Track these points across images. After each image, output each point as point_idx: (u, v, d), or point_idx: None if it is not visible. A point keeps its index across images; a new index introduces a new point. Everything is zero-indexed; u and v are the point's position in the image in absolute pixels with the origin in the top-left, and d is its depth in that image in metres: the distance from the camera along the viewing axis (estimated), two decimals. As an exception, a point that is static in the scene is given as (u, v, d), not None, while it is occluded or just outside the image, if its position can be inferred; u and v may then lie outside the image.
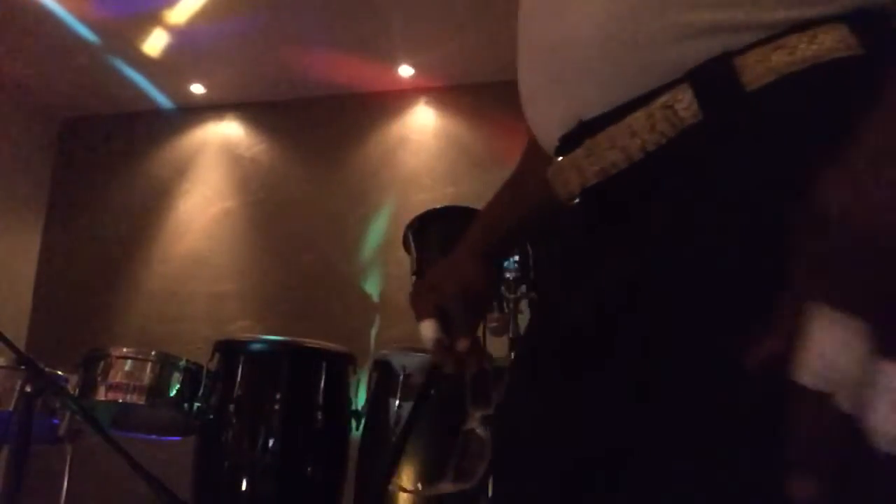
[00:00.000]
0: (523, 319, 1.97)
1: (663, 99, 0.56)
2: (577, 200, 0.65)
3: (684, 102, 0.55)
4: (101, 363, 2.23)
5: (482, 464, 0.88)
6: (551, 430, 0.62)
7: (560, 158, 0.66)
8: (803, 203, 0.44)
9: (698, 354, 0.51)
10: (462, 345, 0.83)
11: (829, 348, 0.38)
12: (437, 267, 0.91)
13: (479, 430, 0.86)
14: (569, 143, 0.64)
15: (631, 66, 0.57)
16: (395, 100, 4.03)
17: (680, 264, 0.54)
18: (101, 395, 2.20)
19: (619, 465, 0.54)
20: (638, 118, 0.57)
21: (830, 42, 0.52)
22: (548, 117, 0.68)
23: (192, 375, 2.29)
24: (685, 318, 0.53)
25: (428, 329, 0.85)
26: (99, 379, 2.21)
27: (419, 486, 1.89)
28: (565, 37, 0.62)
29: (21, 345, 2.49)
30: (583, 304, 0.62)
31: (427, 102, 4.02)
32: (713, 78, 0.54)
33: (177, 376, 2.26)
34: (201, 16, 3.56)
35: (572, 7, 0.62)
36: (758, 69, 0.53)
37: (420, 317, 0.85)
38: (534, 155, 0.86)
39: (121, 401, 2.22)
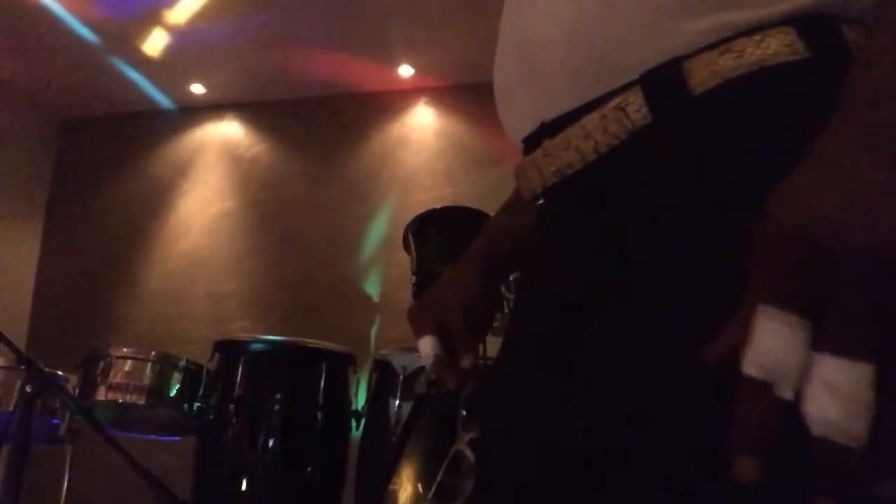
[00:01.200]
0: (523, 319, 1.97)
1: (616, 101, 0.57)
2: (540, 201, 0.66)
3: (635, 105, 0.56)
4: (101, 363, 2.24)
5: (469, 484, 0.87)
6: (525, 436, 0.64)
7: (524, 158, 0.67)
8: (743, 205, 0.46)
9: (646, 354, 0.53)
10: (466, 361, 0.82)
11: (769, 342, 0.41)
12: (437, 284, 0.90)
13: (468, 452, 0.86)
14: (531, 143, 0.65)
15: (589, 69, 0.58)
16: (395, 100, 4.03)
17: (624, 265, 0.56)
18: (101, 395, 2.20)
19: (593, 463, 0.56)
20: (592, 119, 0.58)
21: (777, 46, 0.53)
22: (516, 118, 0.69)
23: (192, 375, 2.29)
24: (635, 316, 0.54)
25: (427, 345, 0.83)
26: (99, 379, 2.21)
27: None
28: (532, 37, 0.63)
29: (21, 345, 2.49)
30: (541, 307, 0.64)
31: (427, 102, 4.02)
32: (662, 81, 0.55)
33: (177, 376, 2.27)
34: (201, 16, 3.56)
35: (538, 6, 0.63)
36: (704, 73, 0.54)
37: (419, 333, 0.85)
38: None
39: (121, 401, 2.22)
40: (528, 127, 0.66)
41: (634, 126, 0.56)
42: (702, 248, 0.51)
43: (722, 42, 0.54)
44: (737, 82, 0.53)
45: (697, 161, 0.53)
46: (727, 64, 0.53)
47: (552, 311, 0.63)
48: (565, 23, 0.60)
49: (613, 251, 0.57)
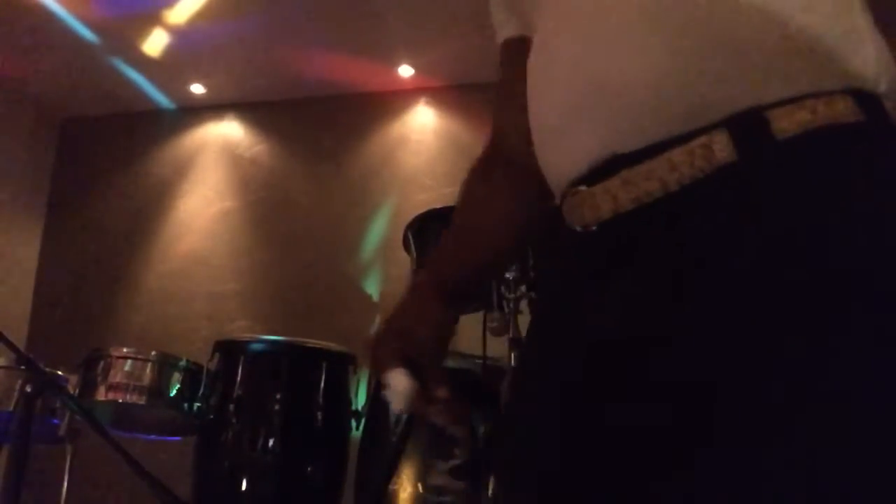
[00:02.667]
0: (523, 319, 1.97)
1: (702, 139, 0.64)
2: (594, 228, 0.71)
3: (721, 144, 0.63)
4: (101, 363, 2.23)
5: None
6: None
7: (583, 187, 0.72)
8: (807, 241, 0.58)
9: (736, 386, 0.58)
10: (442, 393, 0.82)
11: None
12: (394, 316, 0.90)
13: (449, 483, 0.86)
14: (599, 173, 0.70)
15: (678, 108, 0.66)
16: (395, 100, 4.03)
17: (704, 291, 0.62)
18: (101, 395, 2.20)
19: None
20: (678, 154, 0.65)
21: (842, 108, 0.63)
22: (574, 148, 0.73)
23: (192, 375, 2.29)
24: (720, 338, 0.60)
25: (400, 379, 0.80)
26: (99, 379, 2.21)
27: None
28: (610, 80, 0.69)
29: (21, 345, 2.49)
30: (606, 325, 0.68)
31: (427, 102, 4.02)
32: (749, 125, 0.63)
33: (177, 376, 2.26)
34: (201, 16, 3.56)
35: (617, 57, 0.70)
36: (785, 122, 0.62)
37: (386, 366, 0.83)
38: (485, 198, 0.95)
39: (121, 401, 2.22)
40: (589, 159, 0.71)
41: (719, 163, 0.63)
42: (783, 271, 0.59)
43: (798, 98, 0.63)
44: (812, 133, 0.62)
45: (778, 199, 0.61)
46: (804, 117, 0.62)
47: (611, 331, 0.67)
48: (658, 66, 0.67)
49: (684, 282, 0.63)
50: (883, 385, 0.54)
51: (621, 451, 0.63)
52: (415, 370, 0.81)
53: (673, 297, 0.63)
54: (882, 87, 0.67)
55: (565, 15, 0.77)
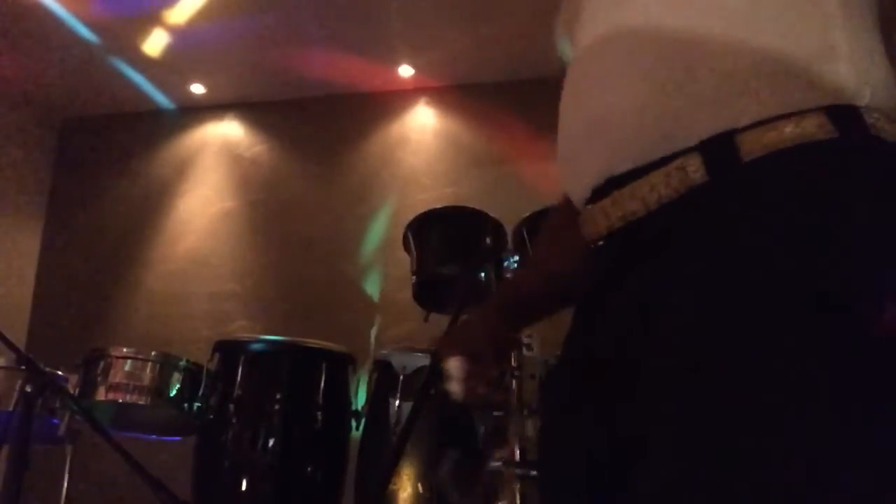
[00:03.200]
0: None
1: (678, 162, 0.71)
2: (601, 243, 0.80)
3: (694, 166, 0.70)
4: (101, 363, 2.23)
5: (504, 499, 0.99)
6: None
7: (589, 206, 0.81)
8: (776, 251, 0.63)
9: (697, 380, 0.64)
10: (492, 373, 0.97)
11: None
12: (465, 323, 1.11)
13: (504, 469, 0.99)
14: (598, 194, 0.79)
15: (656, 135, 0.73)
16: (395, 100, 4.03)
17: (682, 292, 0.68)
18: (101, 395, 2.20)
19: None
20: (657, 176, 0.72)
21: (812, 127, 0.67)
22: (582, 173, 0.83)
23: (192, 375, 2.29)
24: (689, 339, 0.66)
25: (455, 365, 0.97)
26: (99, 379, 2.21)
27: None
28: (602, 109, 0.78)
29: (21, 345, 2.48)
30: (604, 331, 0.77)
31: (427, 102, 4.02)
32: (717, 149, 0.69)
33: (177, 376, 2.26)
34: (201, 16, 3.56)
35: (607, 91, 0.78)
36: (753, 145, 0.68)
37: (448, 355, 0.99)
38: (557, 239, 1.06)
39: (121, 401, 2.22)
40: (592, 182, 0.80)
41: (693, 183, 0.70)
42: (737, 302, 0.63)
43: (769, 120, 0.68)
44: (778, 153, 0.67)
45: (744, 214, 0.66)
46: (771, 139, 0.67)
47: (607, 339, 0.76)
48: (637, 98, 0.74)
49: (660, 291, 0.70)
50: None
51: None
52: (472, 362, 0.98)
53: (644, 324, 0.70)
54: (865, 100, 0.69)
55: (576, 56, 0.88)
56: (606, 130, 0.77)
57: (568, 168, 0.87)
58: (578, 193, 0.85)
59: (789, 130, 0.67)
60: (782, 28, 0.72)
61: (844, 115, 0.68)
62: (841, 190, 0.64)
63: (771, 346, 0.60)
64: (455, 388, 0.98)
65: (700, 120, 0.71)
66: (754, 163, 0.67)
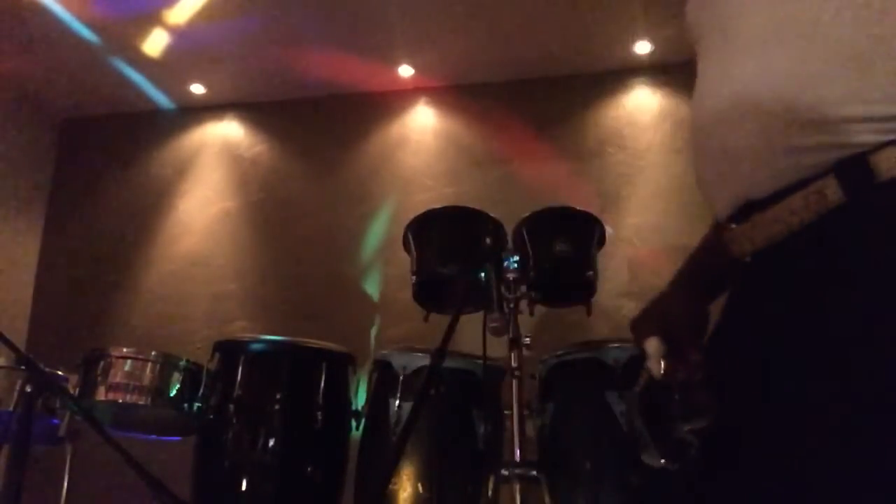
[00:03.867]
0: (523, 319, 1.97)
1: (815, 186, 0.77)
2: (748, 259, 0.88)
3: (831, 189, 0.76)
4: (101, 363, 2.23)
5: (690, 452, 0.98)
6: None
7: (734, 226, 0.90)
8: None
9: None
10: (695, 355, 0.98)
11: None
12: (657, 301, 1.13)
13: (689, 439, 0.99)
14: (740, 215, 0.88)
15: (787, 165, 0.80)
16: (395, 100, 4.03)
17: (823, 309, 0.75)
18: (101, 395, 2.20)
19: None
20: (796, 200, 0.79)
21: None
22: (720, 197, 0.92)
23: (192, 375, 2.28)
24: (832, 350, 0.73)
25: (654, 345, 1.00)
26: (99, 379, 2.21)
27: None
28: (731, 146, 0.86)
29: (21, 345, 2.48)
30: (749, 341, 0.85)
31: (427, 102, 4.02)
32: (853, 171, 0.74)
33: (177, 376, 2.26)
34: (201, 16, 3.56)
35: (732, 124, 0.86)
36: (885, 165, 0.72)
37: (644, 336, 1.03)
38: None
39: (121, 401, 2.22)
40: (732, 203, 0.89)
41: (831, 205, 0.76)
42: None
43: (889, 143, 0.73)
44: None
45: (885, 234, 0.72)
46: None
47: (753, 346, 0.85)
48: (763, 135, 0.82)
49: (808, 313, 0.77)
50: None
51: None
52: (670, 341, 1.00)
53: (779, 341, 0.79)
54: None
55: (702, 92, 0.95)
56: (740, 160, 0.85)
57: (708, 192, 0.96)
58: (721, 214, 0.93)
59: None
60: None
61: None
62: None
63: None
64: (654, 367, 0.99)
65: (828, 149, 0.76)
66: (890, 182, 0.72)
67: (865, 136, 0.74)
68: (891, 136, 0.73)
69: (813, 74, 0.78)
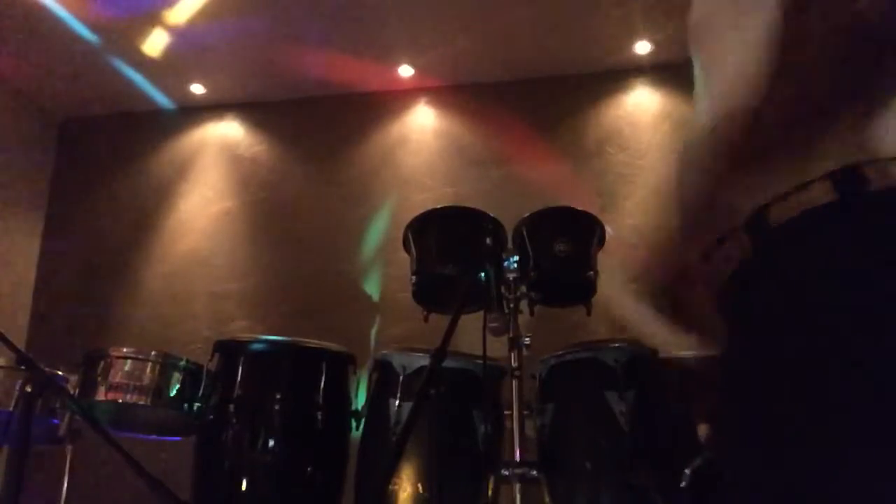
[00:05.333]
0: (523, 319, 1.97)
1: (734, 240, 0.88)
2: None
3: (742, 243, 0.87)
4: (101, 363, 2.23)
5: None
6: None
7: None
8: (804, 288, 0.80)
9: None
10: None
11: None
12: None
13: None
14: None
15: (706, 222, 0.93)
16: (395, 100, 4.04)
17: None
18: (101, 395, 2.20)
19: None
20: (722, 250, 0.90)
21: (818, 193, 0.81)
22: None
23: (192, 375, 2.28)
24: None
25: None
26: (99, 379, 2.21)
27: None
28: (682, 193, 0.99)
29: (21, 345, 2.48)
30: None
31: (427, 102, 4.02)
32: (755, 223, 0.85)
33: (177, 376, 2.26)
34: (201, 16, 3.56)
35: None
36: (775, 214, 0.83)
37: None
38: None
39: (121, 401, 2.22)
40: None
41: (740, 257, 0.87)
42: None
43: (787, 194, 0.83)
44: (791, 221, 0.82)
45: (779, 270, 0.83)
46: (781, 212, 0.83)
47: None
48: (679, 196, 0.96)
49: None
50: None
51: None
52: None
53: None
54: (880, 154, 0.83)
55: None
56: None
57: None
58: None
59: (795, 200, 0.83)
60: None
61: (847, 178, 0.83)
62: (839, 246, 0.80)
63: None
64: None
65: (741, 204, 0.88)
66: (778, 227, 0.84)
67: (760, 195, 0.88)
68: (783, 188, 0.84)
69: None
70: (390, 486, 1.92)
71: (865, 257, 0.78)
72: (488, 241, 2.12)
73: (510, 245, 2.14)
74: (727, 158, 0.92)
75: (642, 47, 3.69)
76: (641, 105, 3.78)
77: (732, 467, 0.81)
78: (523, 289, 1.99)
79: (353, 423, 2.23)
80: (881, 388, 0.70)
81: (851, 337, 0.74)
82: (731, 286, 0.90)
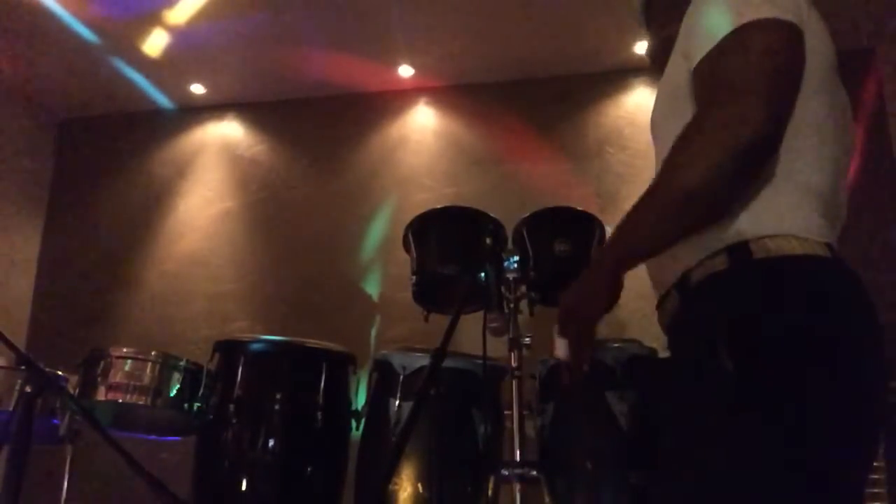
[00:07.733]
0: (523, 319, 1.97)
1: (672, 294, 1.21)
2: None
3: (675, 295, 1.20)
4: (101, 363, 2.23)
5: None
6: None
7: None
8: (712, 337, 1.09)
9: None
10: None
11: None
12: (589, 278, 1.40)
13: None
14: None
15: (658, 281, 1.28)
16: (395, 100, 4.04)
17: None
18: (101, 395, 2.20)
19: None
20: (668, 300, 1.23)
21: (717, 264, 1.12)
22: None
23: (192, 375, 2.28)
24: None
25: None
26: (99, 379, 2.21)
27: None
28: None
29: (21, 345, 2.48)
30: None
31: (427, 102, 4.02)
32: (683, 284, 1.18)
33: (177, 376, 2.26)
34: (201, 16, 3.56)
35: None
36: (694, 277, 1.15)
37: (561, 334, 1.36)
38: None
39: (121, 401, 2.22)
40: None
41: (675, 307, 1.20)
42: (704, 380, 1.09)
43: (702, 261, 1.14)
44: (703, 282, 1.14)
45: (695, 320, 1.14)
46: (700, 274, 1.14)
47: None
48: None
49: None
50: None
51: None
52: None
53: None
54: (764, 232, 1.11)
55: None
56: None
57: None
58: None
59: (707, 265, 1.14)
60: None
61: (738, 250, 1.11)
62: (733, 306, 1.11)
63: None
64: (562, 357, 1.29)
65: (674, 269, 1.19)
66: (694, 286, 1.16)
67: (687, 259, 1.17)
68: (700, 257, 1.13)
69: None
70: (390, 486, 1.92)
71: (752, 306, 1.04)
72: (488, 241, 2.12)
73: (510, 245, 2.14)
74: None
75: (642, 47, 3.69)
76: (641, 105, 3.78)
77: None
78: (523, 289, 1.99)
79: (353, 423, 2.23)
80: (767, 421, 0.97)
81: (740, 376, 0.99)
82: (669, 332, 1.21)
